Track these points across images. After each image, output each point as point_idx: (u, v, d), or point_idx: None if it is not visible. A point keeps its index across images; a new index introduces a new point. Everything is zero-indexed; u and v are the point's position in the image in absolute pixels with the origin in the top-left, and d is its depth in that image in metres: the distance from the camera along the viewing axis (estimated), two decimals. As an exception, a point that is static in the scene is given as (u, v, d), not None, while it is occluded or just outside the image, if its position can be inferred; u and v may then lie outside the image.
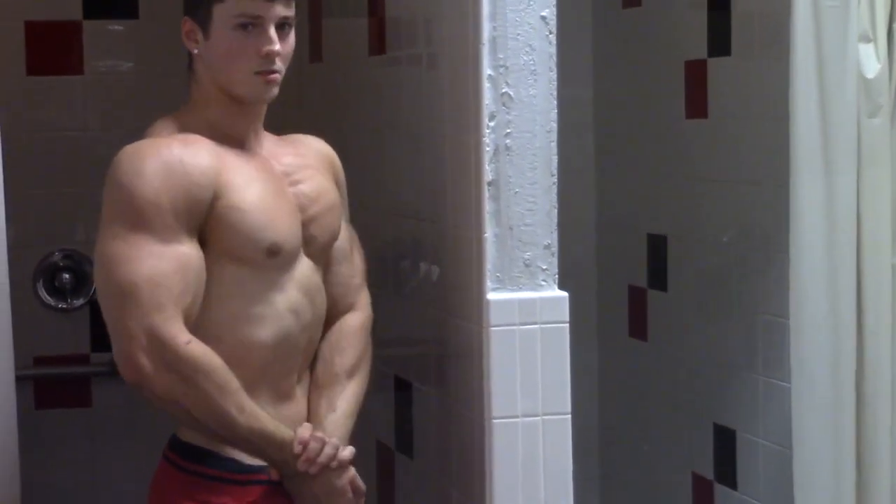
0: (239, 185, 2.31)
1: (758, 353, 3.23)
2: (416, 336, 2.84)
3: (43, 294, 3.67)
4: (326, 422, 2.40)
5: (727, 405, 3.36)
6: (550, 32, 2.52)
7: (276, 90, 2.35)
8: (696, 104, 3.44)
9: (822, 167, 2.87)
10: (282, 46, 2.32)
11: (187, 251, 2.27)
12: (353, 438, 3.30)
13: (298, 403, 2.43)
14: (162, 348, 2.23)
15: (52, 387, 3.68)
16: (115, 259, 2.25)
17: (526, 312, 2.50)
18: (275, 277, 2.35)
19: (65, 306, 3.69)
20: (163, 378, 2.24)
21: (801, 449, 2.91)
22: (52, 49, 3.69)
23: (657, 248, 3.66)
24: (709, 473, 3.44)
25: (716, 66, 3.36)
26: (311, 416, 2.42)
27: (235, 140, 2.38)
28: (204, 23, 2.33)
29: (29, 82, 3.65)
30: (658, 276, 3.66)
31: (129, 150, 2.30)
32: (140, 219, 2.24)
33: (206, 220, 2.29)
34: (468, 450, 2.57)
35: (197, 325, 2.28)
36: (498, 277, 2.52)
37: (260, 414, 2.30)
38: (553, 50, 2.52)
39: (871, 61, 2.85)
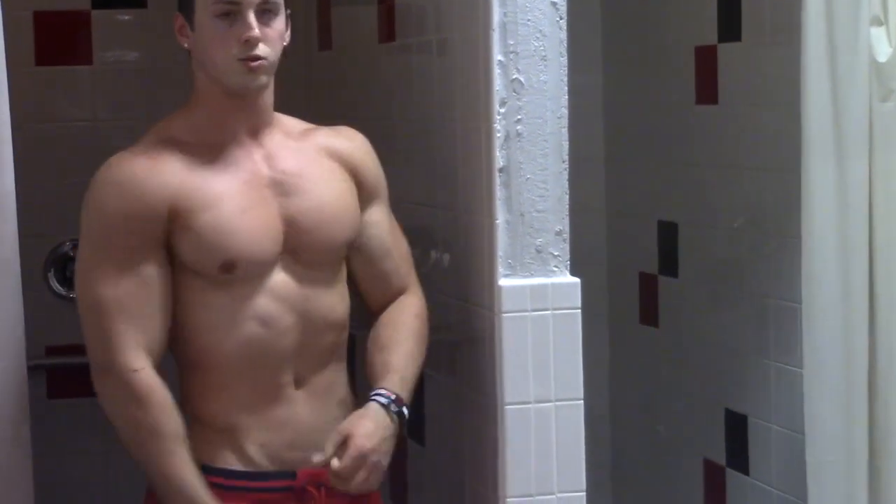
0: (198, 203, 2.32)
1: (769, 339, 3.22)
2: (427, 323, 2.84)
3: (54, 284, 3.67)
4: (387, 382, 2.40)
5: (739, 391, 3.35)
6: (561, 18, 2.52)
7: (263, 78, 2.33)
8: (707, 90, 3.43)
9: (833, 152, 2.86)
10: (265, 31, 2.30)
11: (148, 271, 2.32)
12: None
13: (295, 406, 2.40)
14: (111, 370, 2.32)
15: (64, 376, 3.67)
16: (82, 279, 2.36)
17: (538, 298, 2.50)
18: (238, 288, 2.35)
19: (76, 296, 3.68)
20: (108, 398, 2.34)
21: (814, 434, 2.90)
22: (60, 39, 3.69)
23: (668, 234, 3.65)
24: (721, 459, 3.44)
25: (726, 51, 3.35)
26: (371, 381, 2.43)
27: (226, 141, 2.37)
28: (189, 15, 2.34)
29: (38, 72, 3.65)
30: (669, 262, 3.66)
31: (102, 168, 2.36)
32: (102, 241, 2.33)
33: (167, 235, 2.33)
34: (481, 436, 2.58)
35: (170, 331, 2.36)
36: (510, 264, 2.51)
37: (184, 470, 2.31)
38: (563, 35, 2.52)
39: (882, 45, 2.84)
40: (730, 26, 3.31)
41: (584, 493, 2.52)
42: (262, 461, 2.38)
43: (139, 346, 2.31)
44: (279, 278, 2.38)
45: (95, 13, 3.70)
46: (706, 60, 3.42)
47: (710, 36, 3.39)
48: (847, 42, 2.83)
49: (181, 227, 2.32)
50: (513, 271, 2.52)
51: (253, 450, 2.38)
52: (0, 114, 2.40)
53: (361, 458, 2.33)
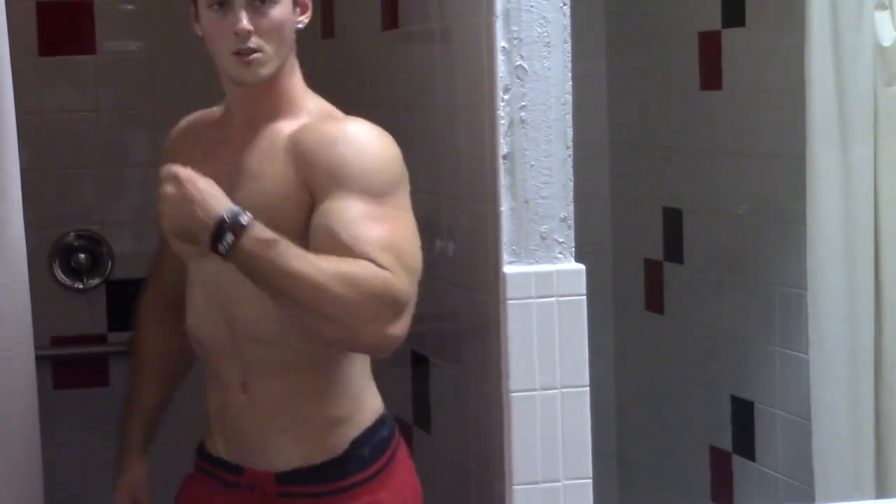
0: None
1: (775, 325, 3.22)
2: (432, 311, 2.83)
3: (59, 274, 3.68)
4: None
5: (744, 377, 3.35)
6: (564, 4, 2.51)
7: (262, 71, 2.25)
8: (711, 76, 3.43)
9: (838, 137, 2.85)
10: (259, 22, 2.22)
11: None
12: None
13: (240, 408, 2.34)
14: None
15: (69, 367, 3.68)
16: None
17: (543, 285, 2.50)
18: (187, 269, 2.40)
19: (81, 286, 3.69)
20: None
21: (820, 420, 2.90)
22: (64, 29, 3.68)
23: (672, 221, 3.65)
24: (727, 445, 3.44)
25: (730, 36, 3.34)
26: None
27: (228, 125, 2.36)
28: (196, 5, 2.31)
29: (41, 63, 3.65)
30: (674, 249, 3.66)
31: None
32: None
33: None
34: (486, 424, 2.57)
35: None
36: (514, 251, 2.51)
37: (137, 390, 2.56)
38: (567, 21, 2.51)
39: (887, 29, 2.83)
40: (734, 11, 3.30)
41: (590, 480, 2.52)
42: (224, 451, 2.39)
43: (154, 277, 2.59)
44: (211, 269, 2.27)
45: (98, 3, 3.70)
46: (710, 46, 3.42)
47: (713, 21, 3.39)
48: (851, 26, 2.82)
49: None
50: (517, 258, 2.51)
51: (218, 438, 2.40)
52: (4, 104, 2.40)
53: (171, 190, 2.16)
